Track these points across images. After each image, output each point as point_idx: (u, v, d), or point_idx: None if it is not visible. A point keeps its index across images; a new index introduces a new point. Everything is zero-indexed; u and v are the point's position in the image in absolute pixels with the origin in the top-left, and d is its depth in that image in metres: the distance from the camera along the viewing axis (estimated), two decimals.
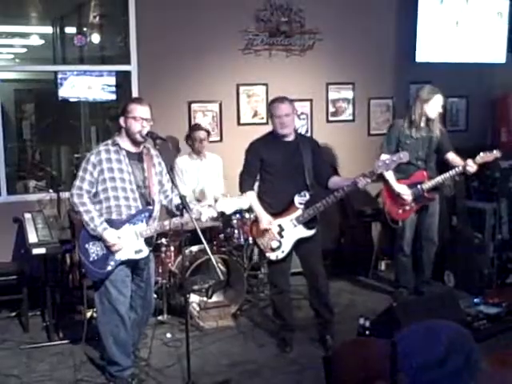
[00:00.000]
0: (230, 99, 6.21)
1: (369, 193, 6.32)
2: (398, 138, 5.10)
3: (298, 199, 4.22)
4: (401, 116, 5.43)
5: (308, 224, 4.26)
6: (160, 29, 5.85)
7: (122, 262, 3.76)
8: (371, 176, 4.00)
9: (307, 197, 4.23)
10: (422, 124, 5.06)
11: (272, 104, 4.33)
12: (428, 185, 5.05)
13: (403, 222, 5.19)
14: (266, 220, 4.25)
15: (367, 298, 5.53)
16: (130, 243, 3.75)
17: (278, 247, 4.28)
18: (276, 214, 4.28)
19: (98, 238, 3.71)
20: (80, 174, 3.72)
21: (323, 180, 4.31)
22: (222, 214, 4.19)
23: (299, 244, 4.32)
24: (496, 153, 4.96)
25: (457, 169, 4.97)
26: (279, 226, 4.26)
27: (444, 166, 5.21)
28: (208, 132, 5.55)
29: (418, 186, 5.06)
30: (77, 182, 3.72)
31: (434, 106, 5.02)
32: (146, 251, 3.84)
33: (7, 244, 5.56)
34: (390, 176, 5.05)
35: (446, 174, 5.02)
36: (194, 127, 5.63)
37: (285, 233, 4.26)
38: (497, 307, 4.56)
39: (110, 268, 3.73)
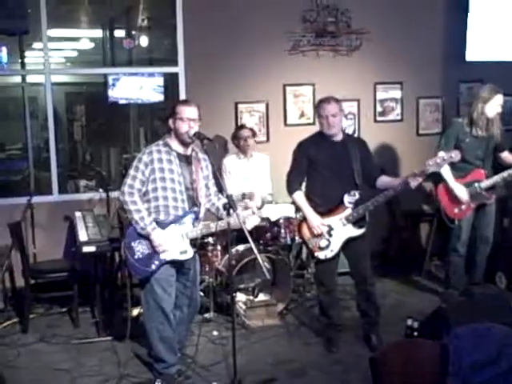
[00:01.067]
0: (277, 100, 6.22)
1: (416, 193, 6.21)
2: (456, 136, 5.01)
3: (347, 198, 4.21)
4: (450, 115, 5.34)
5: (357, 223, 4.25)
6: (206, 31, 5.90)
7: (167, 262, 3.81)
8: (422, 175, 3.97)
9: (357, 196, 4.21)
10: (482, 123, 4.96)
11: (319, 104, 4.32)
12: (486, 183, 4.98)
13: (459, 222, 5.09)
14: (316, 221, 4.23)
15: (415, 299, 5.44)
16: (175, 244, 3.79)
17: (327, 246, 4.27)
18: (324, 213, 4.26)
19: (145, 237, 3.76)
20: (131, 172, 3.77)
21: (371, 180, 4.29)
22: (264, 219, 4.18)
23: (347, 244, 4.30)
24: None
25: None
26: (328, 225, 4.24)
27: (498, 165, 5.13)
28: (253, 131, 5.57)
29: (476, 185, 4.99)
30: (128, 180, 3.76)
31: (493, 105, 4.94)
32: (190, 252, 3.87)
33: (59, 242, 5.71)
34: (447, 174, 4.96)
35: (505, 173, 4.94)
36: (238, 127, 5.68)
37: (334, 232, 4.25)
38: None
39: (154, 267, 3.77)
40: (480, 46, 6.52)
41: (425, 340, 3.51)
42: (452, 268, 5.27)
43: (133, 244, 3.80)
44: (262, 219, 3.99)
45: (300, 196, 4.32)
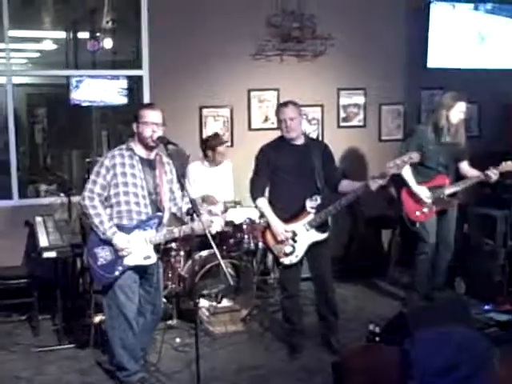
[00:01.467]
0: (241, 104, 6.22)
1: (378, 199, 6.28)
2: (419, 144, 5.03)
3: (309, 203, 4.22)
4: (412, 121, 5.42)
5: (320, 228, 4.27)
6: (172, 34, 5.87)
7: (130, 268, 3.77)
8: (382, 177, 4.01)
9: (318, 201, 4.23)
10: (446, 130, 5.06)
11: (278, 108, 4.36)
12: (449, 190, 5.09)
13: (422, 224, 5.15)
14: (279, 228, 4.24)
15: (376, 305, 5.50)
16: (139, 249, 3.76)
17: (292, 252, 4.28)
18: (288, 219, 4.27)
19: (108, 243, 3.72)
20: (92, 177, 3.75)
21: (333, 183, 4.31)
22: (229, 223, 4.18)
23: (310, 248, 4.32)
24: None
25: (480, 175, 5.00)
26: (292, 231, 4.26)
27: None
28: (225, 143, 5.58)
29: (439, 190, 5.09)
30: (89, 185, 3.74)
31: (456, 112, 5.04)
32: (154, 258, 3.84)
33: (18, 248, 5.59)
34: (408, 177, 5.08)
35: (468, 181, 5.07)
36: (215, 139, 5.53)
37: (298, 238, 4.27)
38: (507, 314, 4.53)
39: (117, 273, 3.74)
40: (441, 54, 6.64)
41: (386, 345, 3.56)
42: (418, 271, 5.29)
43: (95, 250, 3.75)
44: (227, 223, 3.98)
45: (263, 202, 4.31)
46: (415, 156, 4.07)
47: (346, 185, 4.25)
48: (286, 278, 4.45)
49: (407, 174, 5.08)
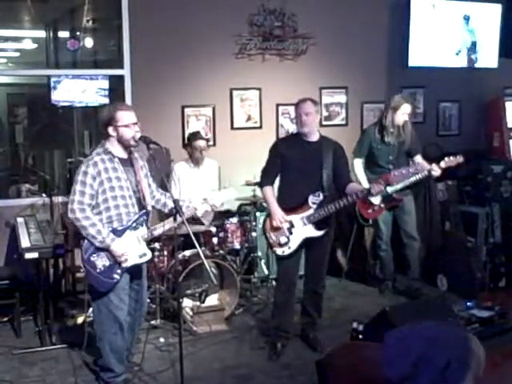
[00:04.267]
0: (224, 103, 6.22)
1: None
2: (369, 144, 5.40)
3: (311, 198, 4.28)
4: None
5: (318, 224, 4.31)
6: (153, 33, 5.85)
7: (127, 269, 3.76)
8: (384, 183, 4.23)
9: (321, 197, 4.28)
10: (392, 130, 5.31)
11: (296, 104, 4.42)
12: (395, 187, 5.21)
13: (376, 221, 5.52)
14: (279, 216, 4.30)
15: (360, 302, 5.53)
16: (133, 249, 3.75)
17: (286, 243, 4.33)
18: (288, 210, 4.32)
19: (102, 249, 3.68)
20: (78, 187, 3.64)
21: (340, 185, 4.36)
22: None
23: (309, 244, 4.37)
24: (459, 158, 5.13)
25: (422, 173, 5.17)
26: (290, 222, 4.31)
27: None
28: (207, 141, 5.55)
29: (386, 188, 5.14)
30: (76, 197, 3.63)
31: (401, 114, 5.28)
32: (149, 254, 3.86)
33: (0, 248, 5.54)
34: (361, 176, 5.37)
35: (413, 178, 5.19)
36: (193, 136, 5.53)
37: (294, 230, 4.31)
38: (489, 311, 4.56)
39: (117, 276, 3.70)
40: (422, 53, 6.69)
41: (370, 342, 3.57)
42: (381, 263, 5.81)
43: (92, 258, 3.69)
44: (211, 206, 4.03)
45: (268, 190, 4.41)
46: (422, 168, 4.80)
47: (351, 187, 4.31)
48: (283, 271, 4.48)
49: (360, 172, 5.39)
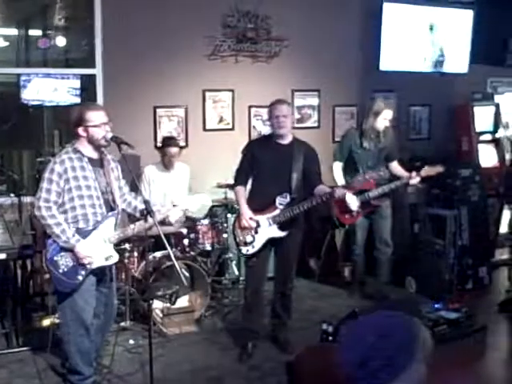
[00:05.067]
0: (196, 105, 6.20)
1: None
2: (350, 147, 5.40)
3: (279, 200, 4.34)
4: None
5: (282, 225, 4.34)
6: (126, 32, 5.81)
7: (92, 270, 3.71)
8: (348, 188, 4.42)
9: (288, 199, 4.33)
10: (373, 135, 5.34)
11: (272, 105, 4.44)
12: (374, 193, 5.29)
13: (353, 226, 5.52)
14: (246, 214, 4.35)
15: (329, 304, 5.57)
16: (99, 251, 3.71)
17: (251, 242, 4.38)
18: (258, 210, 4.37)
19: (66, 249, 3.64)
20: (45, 185, 3.61)
21: (309, 187, 4.41)
22: (187, 218, 4.19)
23: (277, 246, 4.42)
24: (439, 168, 5.25)
25: (402, 180, 5.27)
26: (257, 222, 4.36)
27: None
28: (181, 148, 5.53)
29: (365, 194, 5.30)
30: (43, 194, 3.60)
31: (382, 119, 5.29)
32: (116, 256, 3.82)
33: None
34: (340, 181, 5.36)
35: (392, 184, 5.28)
36: (168, 141, 5.52)
37: (260, 229, 4.36)
38: (457, 312, 4.62)
39: (80, 278, 3.66)
40: (393, 57, 6.76)
41: (339, 344, 3.60)
42: (354, 266, 5.83)
43: (55, 258, 3.65)
44: (183, 212, 4.02)
45: (240, 190, 4.48)
46: (385, 173, 4.52)
47: (319, 189, 4.35)
48: (251, 273, 4.52)
49: (338, 176, 5.41)
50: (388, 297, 5.49)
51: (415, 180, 5.20)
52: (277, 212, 4.34)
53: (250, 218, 4.34)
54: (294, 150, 4.39)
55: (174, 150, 5.44)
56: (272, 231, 4.36)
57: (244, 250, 4.43)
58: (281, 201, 4.34)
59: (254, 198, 4.47)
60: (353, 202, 5.24)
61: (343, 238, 6.58)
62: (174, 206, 3.90)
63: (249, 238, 4.38)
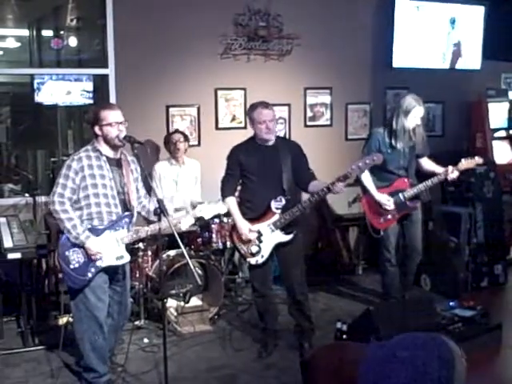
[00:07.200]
0: (209, 103, 6.20)
1: (346, 197, 6.34)
2: (378, 147, 4.88)
3: (274, 204, 4.23)
4: (377, 121, 5.44)
5: (286, 229, 4.26)
6: (138, 32, 5.82)
7: (102, 269, 3.73)
8: (345, 180, 3.98)
9: (283, 202, 4.23)
10: (403, 135, 4.89)
11: (255, 109, 4.25)
12: (410, 192, 4.91)
13: (386, 232, 5.01)
14: (244, 228, 4.25)
15: (344, 302, 5.55)
16: (111, 250, 3.72)
17: (258, 252, 4.28)
18: (254, 219, 4.28)
19: (79, 246, 3.67)
20: (61, 180, 3.65)
21: (303, 184, 4.31)
22: (198, 219, 4.17)
23: (279, 250, 4.32)
24: (477, 159, 4.91)
25: (439, 176, 4.89)
26: (258, 231, 4.26)
27: (420, 174, 5.14)
28: (184, 135, 5.54)
29: (400, 194, 4.93)
30: (58, 189, 3.64)
31: (412, 117, 4.86)
32: (127, 257, 3.82)
33: None
34: (368, 184, 4.94)
35: (428, 182, 4.90)
36: (173, 132, 5.62)
37: (263, 238, 4.27)
38: (472, 310, 4.60)
39: (90, 275, 3.68)
40: (406, 54, 6.73)
41: (353, 342, 3.59)
42: (388, 279, 5.16)
43: (67, 253, 3.68)
44: (197, 219, 3.95)
45: (231, 201, 4.32)
46: (378, 157, 3.98)
47: (314, 185, 4.22)
48: (254, 278, 4.46)
49: (367, 180, 4.94)
50: (403, 295, 5.41)
51: (454, 174, 4.81)
52: (276, 217, 4.22)
53: (250, 230, 4.25)
54: (279, 151, 4.27)
55: (176, 135, 5.47)
56: (277, 237, 4.26)
57: (253, 260, 4.30)
58: (276, 205, 4.22)
59: (246, 206, 4.33)
60: (386, 200, 4.88)
61: (357, 237, 6.57)
62: (187, 212, 3.88)
63: (254, 249, 4.27)
